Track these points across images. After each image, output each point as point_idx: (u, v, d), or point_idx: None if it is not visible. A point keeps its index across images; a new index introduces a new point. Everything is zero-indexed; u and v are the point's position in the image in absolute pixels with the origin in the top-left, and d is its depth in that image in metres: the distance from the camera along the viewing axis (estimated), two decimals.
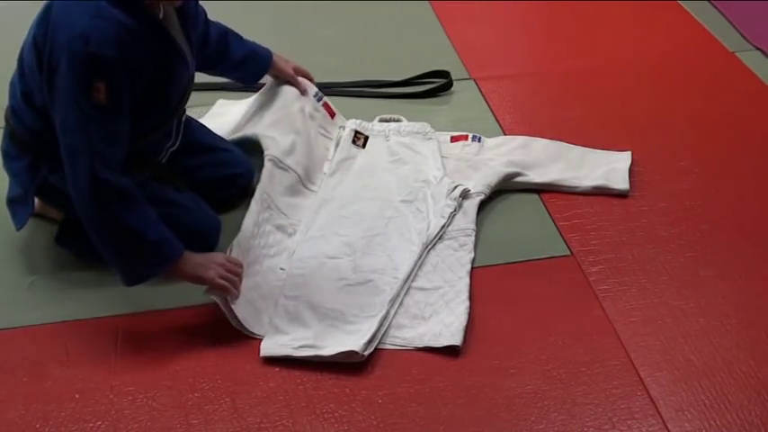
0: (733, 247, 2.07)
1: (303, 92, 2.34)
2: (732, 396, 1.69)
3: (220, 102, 2.57)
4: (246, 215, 2.01)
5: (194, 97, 2.07)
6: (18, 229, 1.99)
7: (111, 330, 1.86)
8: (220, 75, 2.30)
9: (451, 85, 2.69)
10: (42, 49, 1.70)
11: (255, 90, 2.42)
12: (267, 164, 2.14)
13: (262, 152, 2.20)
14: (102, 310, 1.91)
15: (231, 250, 1.90)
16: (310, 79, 2.39)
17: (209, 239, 2.01)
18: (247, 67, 2.26)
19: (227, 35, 2.16)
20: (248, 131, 2.28)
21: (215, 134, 2.24)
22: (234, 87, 2.60)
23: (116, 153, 1.73)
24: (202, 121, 2.34)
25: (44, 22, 1.70)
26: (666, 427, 1.64)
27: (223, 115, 2.48)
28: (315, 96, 2.38)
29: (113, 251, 1.77)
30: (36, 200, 2.02)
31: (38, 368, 1.78)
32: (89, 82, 1.65)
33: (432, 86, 2.68)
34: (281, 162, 2.16)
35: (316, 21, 3.11)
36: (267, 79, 2.35)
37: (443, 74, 2.71)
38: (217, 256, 1.84)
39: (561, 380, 1.73)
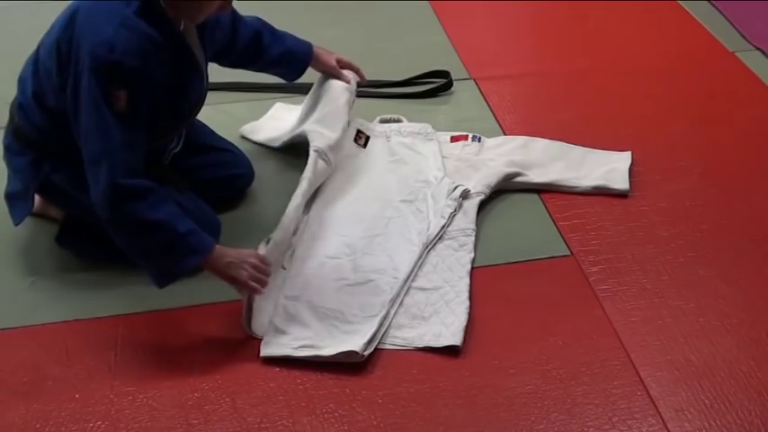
0: (733, 247, 2.07)
1: (348, 82, 2.32)
2: (732, 396, 1.69)
3: (279, 105, 2.57)
4: (289, 208, 1.98)
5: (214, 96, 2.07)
6: (16, 224, 1.98)
7: (111, 330, 1.86)
8: (259, 71, 2.30)
9: (451, 85, 2.69)
10: (66, 53, 1.71)
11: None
12: (312, 154, 2.12)
13: (263, 154, 2.21)
14: (102, 310, 1.91)
15: (267, 245, 1.86)
16: (355, 70, 2.36)
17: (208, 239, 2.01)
18: (286, 65, 2.25)
19: (261, 35, 2.15)
20: (298, 129, 2.29)
21: (216, 134, 2.25)
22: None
23: (135, 159, 1.74)
24: (259, 122, 2.40)
25: (69, 27, 1.71)
26: (666, 427, 1.64)
27: (281, 119, 2.47)
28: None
29: (144, 252, 1.77)
30: (36, 200, 2.02)
31: (38, 368, 1.78)
32: (110, 89, 1.66)
33: (432, 86, 2.68)
34: (325, 155, 2.16)
35: (316, 21, 3.11)
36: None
37: (443, 74, 2.71)
38: (248, 255, 1.79)
39: (561, 380, 1.73)
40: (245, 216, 2.15)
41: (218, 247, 1.78)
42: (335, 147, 2.21)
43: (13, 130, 1.92)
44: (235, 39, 2.08)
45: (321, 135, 2.19)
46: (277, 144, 2.38)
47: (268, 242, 1.88)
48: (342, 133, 2.24)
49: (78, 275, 2.00)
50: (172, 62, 1.78)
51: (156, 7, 1.72)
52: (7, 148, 1.96)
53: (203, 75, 1.93)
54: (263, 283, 1.79)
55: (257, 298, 1.83)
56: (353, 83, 2.35)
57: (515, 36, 3.10)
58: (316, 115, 2.27)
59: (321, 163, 2.14)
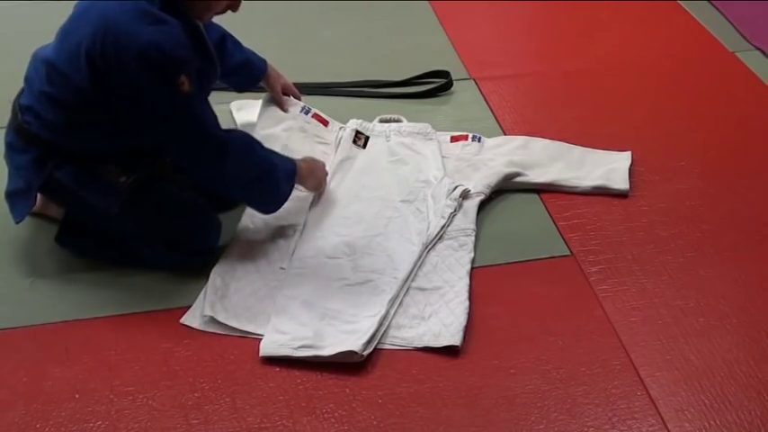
0: (733, 247, 2.07)
1: (285, 110, 2.37)
2: (732, 396, 1.69)
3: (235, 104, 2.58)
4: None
5: None
6: (17, 222, 1.98)
7: (111, 330, 1.86)
8: None
9: (451, 85, 2.69)
10: (102, 64, 1.72)
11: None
12: None
13: None
14: (102, 310, 1.91)
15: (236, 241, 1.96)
16: (297, 97, 2.41)
17: (209, 239, 2.01)
18: (241, 74, 2.29)
19: (224, 40, 2.17)
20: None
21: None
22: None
23: (216, 119, 1.89)
24: (252, 102, 2.41)
25: (98, 37, 1.71)
26: (666, 427, 1.64)
27: (248, 109, 2.48)
28: (302, 111, 2.38)
29: (258, 191, 1.97)
30: (37, 199, 2.02)
31: (38, 368, 1.78)
32: (173, 80, 1.74)
33: (432, 86, 2.68)
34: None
35: (316, 21, 3.11)
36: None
37: (443, 74, 2.71)
38: (316, 164, 2.13)
39: (561, 380, 1.73)
40: (246, 216, 2.14)
41: (298, 162, 2.03)
42: None
43: (17, 128, 1.91)
44: None
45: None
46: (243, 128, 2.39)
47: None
48: (282, 151, 2.20)
49: (78, 275, 2.00)
50: (196, 50, 1.83)
51: (178, 4, 1.77)
52: (9, 146, 1.95)
53: (216, 66, 1.98)
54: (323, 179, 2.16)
55: (254, 304, 1.87)
56: (296, 110, 2.37)
57: (515, 36, 3.10)
58: (257, 135, 2.25)
59: None
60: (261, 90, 2.41)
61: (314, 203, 2.16)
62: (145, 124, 1.82)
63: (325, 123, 2.39)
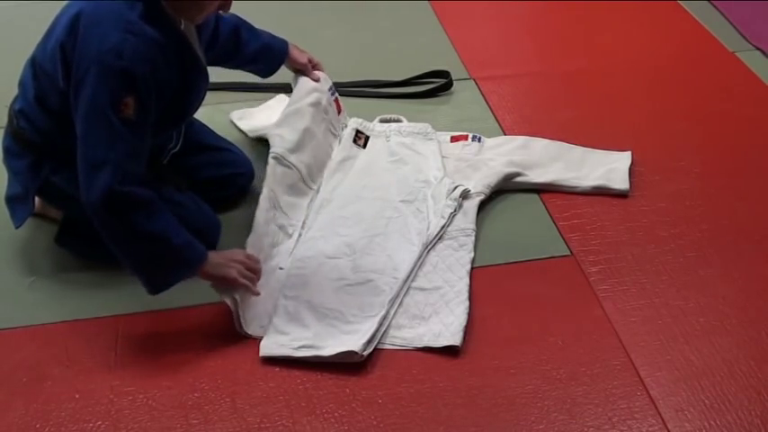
0: (733, 247, 2.07)
1: (316, 80, 2.32)
2: (732, 396, 1.69)
3: (280, 97, 2.56)
4: (257, 213, 2.00)
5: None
6: (17, 227, 1.99)
7: (111, 330, 1.86)
8: (235, 68, 2.28)
9: (451, 85, 2.69)
10: (70, 57, 1.69)
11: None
12: (271, 161, 2.12)
13: (263, 153, 2.19)
14: (102, 310, 1.91)
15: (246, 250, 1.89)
16: (322, 71, 2.37)
17: (209, 239, 2.01)
18: (262, 61, 2.25)
19: (239, 30, 2.14)
20: (263, 131, 2.29)
21: (216, 134, 2.25)
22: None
23: (138, 166, 1.73)
24: (252, 110, 2.42)
25: (72, 31, 1.69)
26: (666, 427, 1.64)
27: (273, 110, 2.46)
28: (329, 90, 2.36)
29: (137, 260, 1.75)
30: (36, 199, 2.02)
31: (38, 368, 1.78)
32: (119, 96, 1.65)
33: (432, 86, 2.68)
34: (284, 159, 2.14)
35: (316, 21, 3.11)
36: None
37: (443, 74, 2.71)
38: (236, 254, 1.82)
39: (561, 380, 1.73)
40: (246, 215, 2.14)
41: (211, 256, 1.78)
42: (297, 148, 2.18)
43: (13, 133, 1.91)
44: (216, 35, 2.08)
45: (281, 138, 2.17)
46: (252, 135, 2.39)
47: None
48: (302, 134, 2.20)
49: (78, 275, 2.00)
50: (177, 63, 1.78)
51: (160, 9, 1.72)
52: (6, 151, 1.96)
53: (206, 73, 1.93)
54: (253, 280, 1.81)
55: (252, 298, 1.83)
56: (325, 86, 2.34)
57: (515, 36, 3.10)
58: (279, 117, 2.26)
59: (280, 168, 2.12)
60: (259, 91, 2.40)
61: (313, 203, 2.16)
62: (78, 125, 1.70)
63: (340, 111, 2.39)
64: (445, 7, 3.20)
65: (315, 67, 2.34)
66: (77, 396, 1.71)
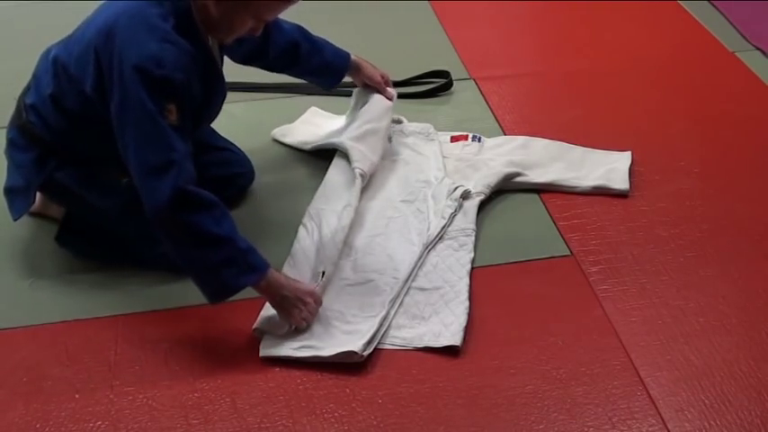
0: (733, 247, 2.07)
1: (390, 98, 2.35)
2: (732, 396, 1.69)
3: (313, 110, 2.56)
4: (337, 241, 1.97)
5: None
6: (15, 219, 1.98)
7: (111, 330, 1.86)
8: (296, 77, 2.34)
9: (451, 85, 2.69)
10: (107, 66, 1.71)
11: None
12: (358, 179, 2.12)
13: (263, 153, 2.20)
14: (102, 310, 1.91)
15: (321, 280, 1.87)
16: (385, 90, 2.37)
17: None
18: (321, 76, 2.30)
19: (298, 46, 2.17)
20: (335, 139, 2.27)
21: (216, 133, 2.25)
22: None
23: (193, 168, 1.73)
24: (293, 125, 2.44)
25: (108, 39, 1.71)
26: (666, 427, 1.64)
27: (317, 126, 2.47)
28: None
29: (202, 265, 1.72)
30: (36, 199, 2.02)
31: (38, 368, 1.78)
32: (163, 104, 1.68)
33: (432, 86, 2.68)
34: (365, 178, 2.15)
35: (316, 21, 3.09)
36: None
37: (443, 74, 2.71)
38: (305, 293, 1.79)
39: (561, 380, 1.73)
40: (246, 215, 2.14)
41: (274, 272, 1.76)
42: (373, 170, 2.20)
43: (20, 126, 1.91)
44: (266, 47, 2.12)
45: (364, 156, 2.17)
46: (308, 147, 2.37)
47: (322, 276, 1.88)
48: (379, 159, 2.22)
49: (78, 275, 2.00)
50: (203, 76, 1.82)
51: (192, 23, 1.76)
52: (11, 143, 1.95)
53: (224, 89, 1.98)
54: (310, 321, 1.80)
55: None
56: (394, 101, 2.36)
57: (515, 36, 3.10)
58: (355, 131, 2.25)
59: (359, 184, 2.12)
60: (260, 91, 2.39)
61: (313, 204, 2.16)
62: (119, 135, 1.73)
63: None
64: (445, 7, 3.20)
65: (387, 83, 2.36)
66: (77, 396, 1.72)
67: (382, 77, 2.33)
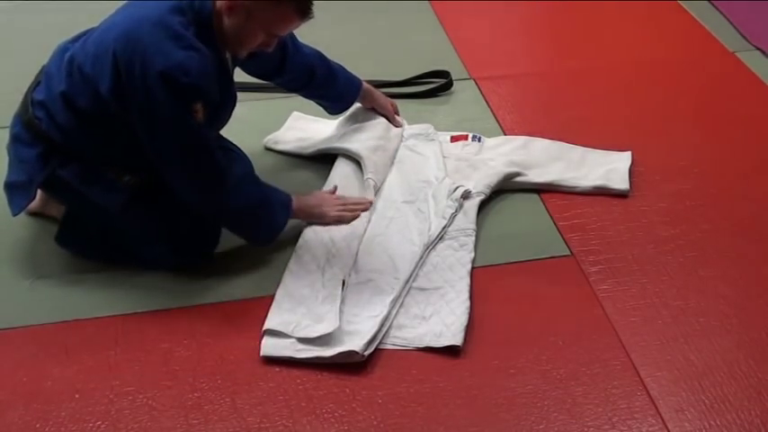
0: (733, 247, 2.07)
1: (399, 126, 2.41)
2: (732, 396, 1.69)
3: (296, 115, 2.55)
4: (354, 241, 2.02)
5: None
6: (14, 215, 1.97)
7: (111, 330, 1.86)
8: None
9: (451, 85, 2.69)
10: (125, 69, 1.74)
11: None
12: (372, 189, 2.16)
13: (263, 155, 2.20)
14: (102, 310, 1.91)
15: (344, 285, 1.91)
16: (392, 117, 2.43)
17: (209, 239, 2.02)
18: (331, 103, 2.36)
19: (314, 72, 2.23)
20: (348, 145, 2.28)
21: (219, 134, 2.24)
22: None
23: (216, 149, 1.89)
24: (280, 133, 2.45)
25: (128, 41, 1.74)
26: (666, 427, 1.64)
27: (304, 130, 2.47)
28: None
29: (251, 221, 1.97)
30: (36, 198, 2.02)
31: (38, 368, 1.78)
32: (190, 106, 1.77)
33: (432, 86, 2.68)
34: (375, 189, 2.17)
35: (315, 21, 3.09)
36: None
37: (443, 74, 2.71)
38: (323, 196, 2.10)
39: (561, 380, 1.73)
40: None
41: (296, 196, 2.03)
42: (384, 182, 2.23)
43: (26, 121, 1.91)
44: (282, 67, 2.17)
45: (377, 169, 2.21)
46: (308, 152, 2.37)
47: (343, 285, 1.90)
48: (386, 176, 2.25)
49: (78, 275, 2.00)
50: (219, 82, 1.86)
51: (211, 33, 1.81)
52: (15, 137, 1.95)
53: (235, 100, 2.02)
54: (353, 213, 2.07)
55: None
56: (404, 133, 2.41)
57: (516, 36, 3.10)
58: (368, 142, 2.27)
59: (370, 193, 2.15)
60: (260, 91, 2.38)
61: None
62: (149, 139, 1.82)
63: None
64: (445, 7, 3.20)
65: (396, 111, 2.43)
66: (77, 396, 1.71)
67: (392, 105, 2.41)
